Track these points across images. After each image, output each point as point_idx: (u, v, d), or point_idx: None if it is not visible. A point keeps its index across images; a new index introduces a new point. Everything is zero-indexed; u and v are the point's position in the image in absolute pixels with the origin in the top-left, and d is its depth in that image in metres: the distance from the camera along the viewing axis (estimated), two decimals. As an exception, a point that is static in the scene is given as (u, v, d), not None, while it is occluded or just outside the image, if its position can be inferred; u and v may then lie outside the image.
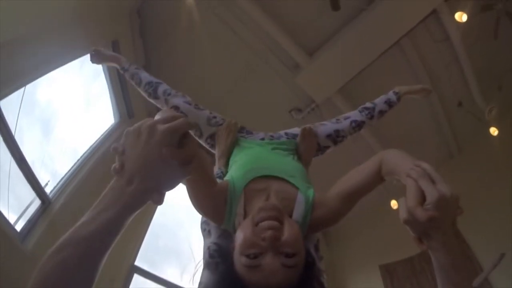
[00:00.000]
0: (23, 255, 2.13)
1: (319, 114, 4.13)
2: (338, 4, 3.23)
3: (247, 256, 0.71)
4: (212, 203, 0.92)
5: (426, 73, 3.93)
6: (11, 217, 2.24)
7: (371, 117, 1.43)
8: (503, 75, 3.85)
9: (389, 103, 1.49)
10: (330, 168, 2.63)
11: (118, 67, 1.63)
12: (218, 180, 1.09)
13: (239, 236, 0.76)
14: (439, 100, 4.11)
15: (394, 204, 4.01)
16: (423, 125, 4.43)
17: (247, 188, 0.94)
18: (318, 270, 0.80)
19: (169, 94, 1.41)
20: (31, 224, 2.41)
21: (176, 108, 1.37)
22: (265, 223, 0.75)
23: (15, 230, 2.25)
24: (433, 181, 0.61)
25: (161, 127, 0.50)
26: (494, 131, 4.10)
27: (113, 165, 0.50)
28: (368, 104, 1.48)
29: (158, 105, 1.46)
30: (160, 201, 0.50)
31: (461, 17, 3.37)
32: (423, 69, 3.92)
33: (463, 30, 3.53)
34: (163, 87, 1.45)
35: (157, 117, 0.55)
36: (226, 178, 1.03)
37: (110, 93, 3.62)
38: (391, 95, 1.53)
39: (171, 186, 0.52)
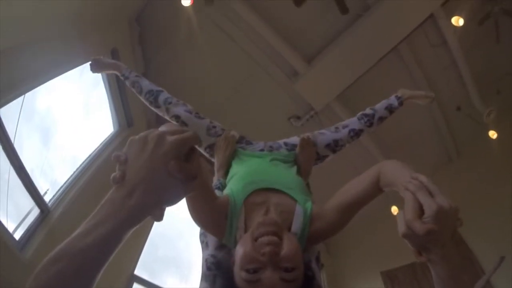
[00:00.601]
0: (21, 264, 2.11)
1: (318, 121, 4.14)
2: (346, 7, 3.25)
3: (247, 271, 0.72)
4: (213, 218, 0.92)
5: (424, 78, 3.95)
6: (10, 226, 2.23)
7: (370, 125, 1.42)
8: (501, 78, 3.86)
9: (390, 109, 1.47)
10: (330, 174, 2.63)
11: (118, 74, 1.64)
12: (217, 192, 1.09)
13: (239, 251, 0.77)
14: (438, 104, 4.12)
15: (394, 210, 3.99)
16: (421, 129, 4.43)
17: (246, 201, 0.94)
18: (318, 285, 0.81)
19: (170, 103, 1.41)
20: (30, 232, 2.40)
21: (177, 117, 1.38)
22: (264, 239, 0.75)
23: (13, 238, 2.24)
24: (431, 194, 0.60)
25: (171, 138, 0.48)
26: (493, 134, 4.11)
27: (113, 174, 0.47)
28: (368, 111, 1.46)
29: (160, 114, 1.47)
30: (160, 217, 0.48)
31: (457, 21, 3.39)
32: (421, 74, 3.94)
33: (460, 34, 3.55)
34: (164, 95, 1.46)
35: (161, 129, 0.52)
36: (225, 191, 1.03)
37: (109, 101, 3.63)
38: (393, 100, 1.50)
39: (173, 201, 0.49)
